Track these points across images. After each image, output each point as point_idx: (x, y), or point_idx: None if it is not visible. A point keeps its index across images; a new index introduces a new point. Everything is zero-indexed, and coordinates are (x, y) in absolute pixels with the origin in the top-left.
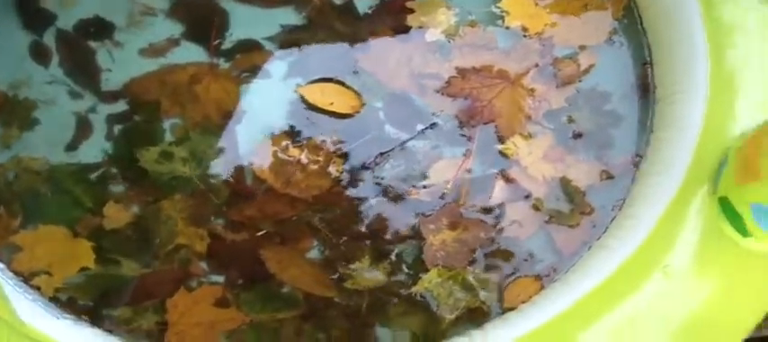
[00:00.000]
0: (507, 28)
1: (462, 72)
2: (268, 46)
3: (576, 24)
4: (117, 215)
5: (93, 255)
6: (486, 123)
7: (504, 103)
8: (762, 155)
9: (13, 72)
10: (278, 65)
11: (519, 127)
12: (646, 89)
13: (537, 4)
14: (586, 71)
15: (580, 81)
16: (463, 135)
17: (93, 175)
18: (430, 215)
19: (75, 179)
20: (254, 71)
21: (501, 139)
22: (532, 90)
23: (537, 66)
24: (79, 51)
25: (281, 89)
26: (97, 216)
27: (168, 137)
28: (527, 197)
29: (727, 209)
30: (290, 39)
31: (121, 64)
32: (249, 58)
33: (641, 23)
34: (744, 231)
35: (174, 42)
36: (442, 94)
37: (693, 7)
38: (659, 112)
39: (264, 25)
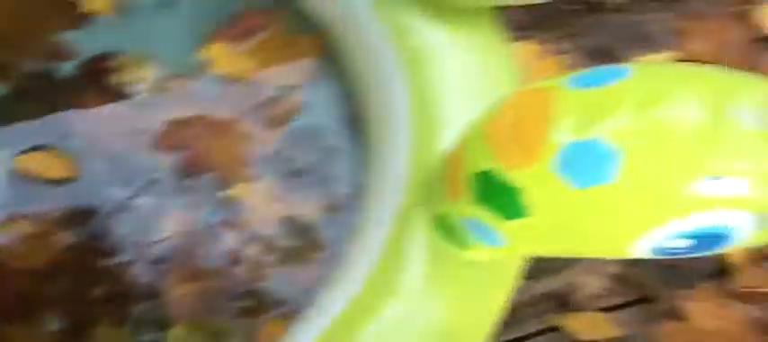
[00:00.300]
0: (214, 76)
1: (174, 124)
2: None
3: (278, 68)
4: None
5: None
6: (206, 172)
7: (220, 150)
8: (462, 169)
9: None
10: None
11: (239, 172)
12: (356, 121)
13: (238, 50)
14: (297, 111)
15: (292, 121)
16: (186, 186)
17: None
18: (167, 269)
19: None
20: None
21: (224, 186)
22: (247, 134)
23: (247, 111)
24: None
25: None
26: None
27: None
28: (259, 239)
29: (445, 226)
30: None
31: None
32: None
33: (341, 60)
34: (464, 246)
35: None
36: (159, 148)
37: (384, 37)
38: (370, 141)
39: None
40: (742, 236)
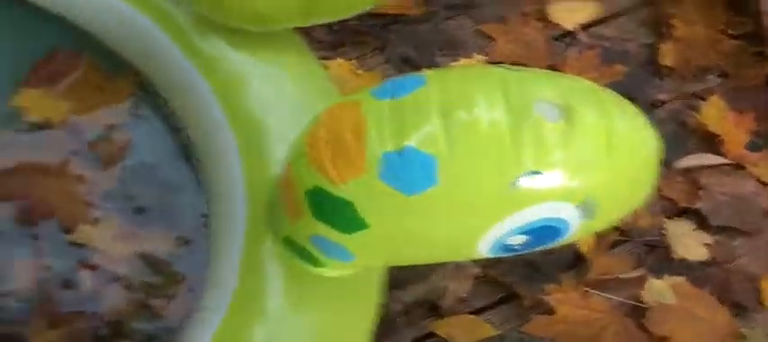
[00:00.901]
0: (31, 124)
1: (4, 174)
2: None
3: (97, 107)
4: None
5: None
6: (48, 218)
7: (58, 196)
8: (296, 188)
9: None
10: None
11: (82, 215)
12: (189, 152)
13: (49, 95)
14: (125, 148)
15: (123, 158)
16: (28, 234)
17: None
18: (28, 319)
19: None
20: None
21: (68, 230)
22: (81, 177)
23: (75, 153)
24: None
25: None
26: None
27: None
28: (115, 279)
29: (293, 246)
30: None
31: None
32: None
33: (160, 96)
34: (317, 263)
35: None
36: None
37: (192, 71)
38: (203, 173)
39: None
40: (572, 227)
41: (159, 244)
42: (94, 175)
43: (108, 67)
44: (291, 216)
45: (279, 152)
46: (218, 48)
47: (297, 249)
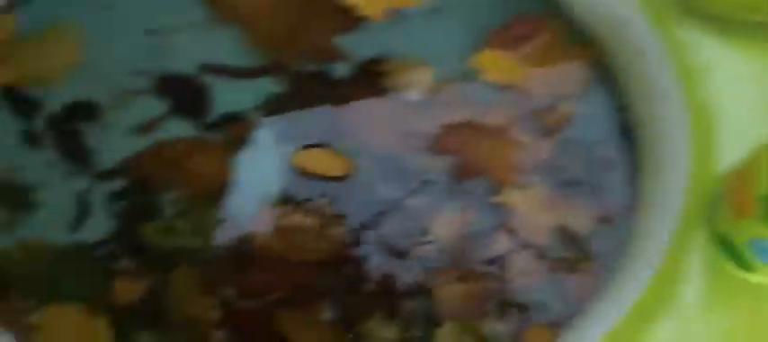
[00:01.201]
0: (485, 83)
1: (447, 128)
2: (254, 116)
3: (551, 76)
4: (128, 291)
5: (111, 332)
6: (478, 177)
7: (492, 156)
8: (751, 189)
9: (9, 159)
10: (266, 134)
11: (511, 178)
12: (629, 133)
13: (510, 58)
14: (568, 120)
15: (563, 130)
16: (458, 190)
17: (100, 253)
18: (437, 270)
19: (82, 258)
20: (243, 142)
21: (496, 191)
22: (519, 142)
23: (519, 118)
24: (71, 133)
25: (272, 157)
26: (109, 293)
27: (169, 211)
28: (529, 246)
29: (726, 245)
30: (274, 107)
31: (114, 143)
32: (237, 130)
33: (613, 69)
34: (746, 267)
35: (162, 119)
36: (432, 151)
37: (661, 49)
38: (645, 154)
39: (248, 96)
40: None
41: (580, 220)
42: (532, 143)
43: (568, 38)
44: (736, 214)
45: (730, 148)
46: (691, 33)
47: (729, 248)
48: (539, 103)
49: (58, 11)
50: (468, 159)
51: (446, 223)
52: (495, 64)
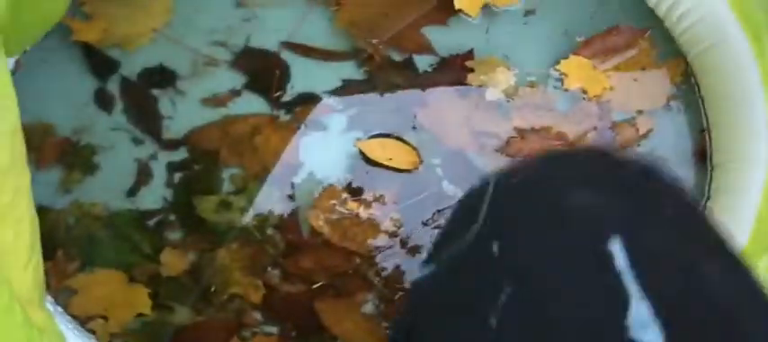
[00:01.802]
0: (566, 90)
1: (521, 132)
2: (328, 99)
3: (634, 89)
4: (174, 262)
5: (149, 301)
6: None
7: None
8: None
9: (77, 117)
10: (338, 118)
11: None
12: (702, 155)
13: (595, 68)
14: (644, 136)
15: (638, 145)
16: None
17: (152, 222)
18: None
19: (133, 225)
20: (314, 124)
21: None
22: None
23: (595, 129)
24: (142, 99)
25: (340, 143)
26: (154, 262)
27: (227, 186)
28: None
29: None
30: (350, 93)
31: (183, 113)
32: (309, 111)
33: (699, 90)
34: None
35: (235, 93)
36: (501, 153)
37: (753, 76)
38: (716, 179)
39: (325, 79)
40: None
41: None
42: None
43: (660, 54)
44: None
45: None
46: None
47: None
48: (618, 115)
49: None
50: None
51: None
52: (580, 72)
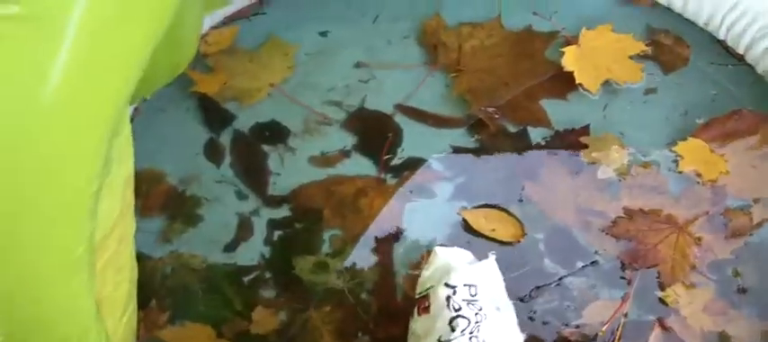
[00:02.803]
0: (680, 172)
1: (629, 213)
2: (436, 166)
3: (751, 175)
4: (265, 320)
5: None
6: (648, 268)
7: (668, 249)
8: None
9: (186, 167)
10: (444, 186)
11: (681, 275)
12: None
13: (713, 151)
14: (759, 225)
15: (750, 235)
16: (623, 277)
17: (247, 278)
18: None
19: (228, 280)
20: (420, 189)
21: (661, 286)
22: (699, 238)
23: (707, 214)
24: (252, 154)
25: (444, 210)
26: (245, 319)
27: (326, 247)
28: None
29: None
30: (459, 161)
31: (291, 170)
32: (417, 176)
33: None
34: None
35: (345, 154)
36: (606, 233)
37: None
38: None
39: (435, 145)
40: None
41: (744, 331)
42: (713, 241)
43: None
44: None
45: None
46: None
47: None
48: (732, 202)
49: (277, 30)
50: (642, 248)
51: (602, 310)
52: (697, 154)
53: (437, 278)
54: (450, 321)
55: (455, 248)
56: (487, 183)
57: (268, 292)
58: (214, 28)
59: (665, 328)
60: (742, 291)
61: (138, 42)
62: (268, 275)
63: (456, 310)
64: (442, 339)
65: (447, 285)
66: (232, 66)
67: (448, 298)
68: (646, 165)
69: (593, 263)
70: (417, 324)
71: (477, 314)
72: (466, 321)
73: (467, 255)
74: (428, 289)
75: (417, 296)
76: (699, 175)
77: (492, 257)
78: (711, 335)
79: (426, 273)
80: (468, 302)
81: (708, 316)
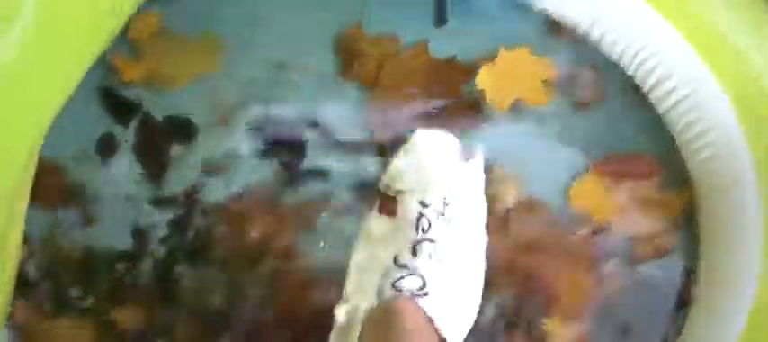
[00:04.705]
0: (576, 209)
1: (526, 247)
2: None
3: (640, 217)
4: (131, 319)
5: None
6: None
7: (564, 281)
8: None
9: (83, 157)
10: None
11: (569, 309)
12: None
13: (609, 191)
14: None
15: (636, 273)
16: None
17: (127, 273)
18: None
19: (109, 270)
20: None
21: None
22: (592, 275)
23: (600, 252)
24: (155, 147)
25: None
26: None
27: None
28: None
29: None
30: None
31: (194, 168)
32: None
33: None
34: None
35: (248, 156)
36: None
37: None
38: (704, 302)
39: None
40: None
41: None
42: (599, 277)
43: (667, 185)
44: None
45: None
46: None
47: None
48: (620, 241)
49: (204, 19)
50: (538, 277)
51: None
52: (591, 193)
53: (411, 185)
54: (415, 244)
55: (440, 132)
56: None
57: (143, 289)
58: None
59: None
60: (625, 329)
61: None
62: (149, 272)
63: (424, 232)
64: (400, 261)
65: (422, 203)
66: (159, 52)
67: (419, 217)
68: (543, 201)
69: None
70: (375, 223)
71: (444, 232)
72: (431, 245)
73: (452, 142)
74: (398, 192)
75: (381, 189)
76: (593, 211)
77: (480, 154)
78: None
79: (400, 162)
80: (439, 215)
81: None
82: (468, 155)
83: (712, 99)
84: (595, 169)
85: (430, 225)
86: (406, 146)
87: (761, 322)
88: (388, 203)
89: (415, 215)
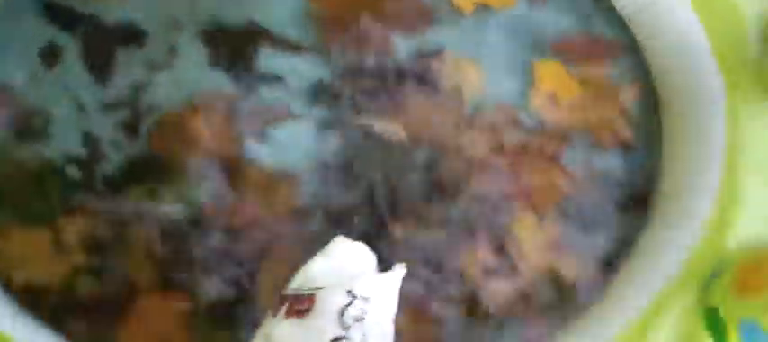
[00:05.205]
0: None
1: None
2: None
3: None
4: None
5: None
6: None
7: (536, 178)
8: (765, 272)
9: (28, 71)
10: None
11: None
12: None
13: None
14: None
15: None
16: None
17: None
18: None
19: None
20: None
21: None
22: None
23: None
24: (102, 53)
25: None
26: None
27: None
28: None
29: (713, 321)
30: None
31: (134, 74)
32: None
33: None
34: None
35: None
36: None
37: (719, 118)
38: (662, 207)
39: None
40: None
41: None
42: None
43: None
44: (739, 291)
45: (748, 225)
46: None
47: (714, 324)
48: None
49: None
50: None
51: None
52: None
53: (333, 279)
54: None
55: (359, 244)
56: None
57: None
58: None
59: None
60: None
61: None
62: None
63: (345, 328)
64: None
65: (349, 293)
66: None
67: (343, 309)
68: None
69: None
70: (279, 328)
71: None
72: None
73: (371, 258)
74: (315, 289)
75: (288, 293)
76: (554, 100)
77: (400, 271)
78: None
79: (316, 265)
80: (357, 320)
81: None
82: (385, 268)
83: None
84: (554, 50)
85: (350, 324)
86: (325, 250)
87: (713, 238)
88: (297, 302)
89: (338, 307)
